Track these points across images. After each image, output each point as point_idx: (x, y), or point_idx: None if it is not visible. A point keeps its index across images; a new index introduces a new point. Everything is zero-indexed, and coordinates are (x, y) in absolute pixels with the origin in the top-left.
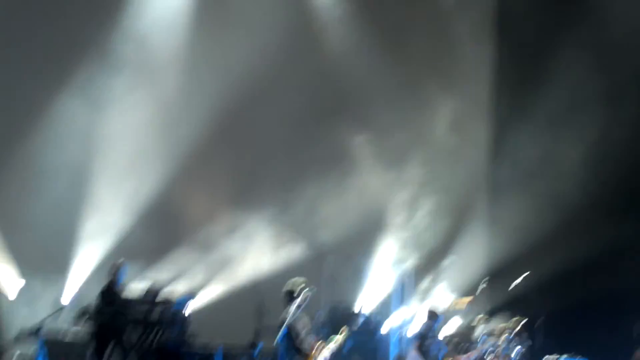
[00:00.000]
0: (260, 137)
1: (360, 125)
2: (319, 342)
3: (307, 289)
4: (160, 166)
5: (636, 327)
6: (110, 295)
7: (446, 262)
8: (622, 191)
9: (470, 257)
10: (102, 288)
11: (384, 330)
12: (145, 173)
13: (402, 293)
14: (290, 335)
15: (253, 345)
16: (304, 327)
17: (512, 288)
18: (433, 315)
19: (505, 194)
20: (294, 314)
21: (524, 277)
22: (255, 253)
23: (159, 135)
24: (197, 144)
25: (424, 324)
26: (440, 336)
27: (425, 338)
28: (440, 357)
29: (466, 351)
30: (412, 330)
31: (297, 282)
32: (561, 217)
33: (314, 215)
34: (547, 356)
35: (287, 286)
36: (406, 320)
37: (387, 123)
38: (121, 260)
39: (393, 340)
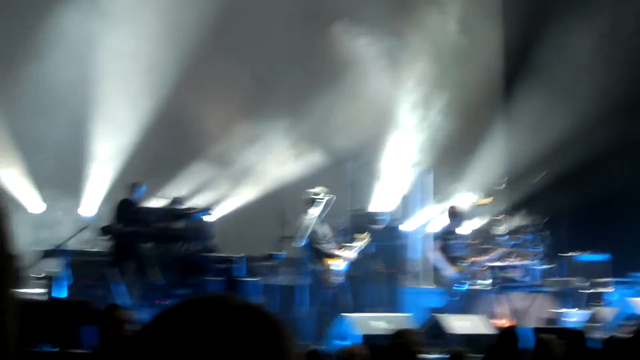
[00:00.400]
0: (265, 49)
1: (365, 27)
2: (341, 247)
3: (327, 195)
4: (172, 82)
5: None
6: (128, 212)
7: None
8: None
9: (488, 157)
10: (120, 205)
11: (404, 233)
12: (158, 89)
13: (421, 195)
14: (313, 240)
15: (276, 255)
16: (325, 232)
17: (532, 186)
18: (454, 215)
19: (521, 93)
20: (315, 220)
21: (543, 175)
22: (274, 164)
23: (168, 51)
24: (206, 60)
25: (446, 224)
26: (461, 237)
27: (447, 238)
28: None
29: (487, 252)
30: (433, 231)
31: (317, 189)
32: (578, 112)
33: (329, 123)
34: (570, 253)
35: (307, 193)
36: (426, 222)
37: (394, 25)
38: (138, 180)
39: (414, 242)
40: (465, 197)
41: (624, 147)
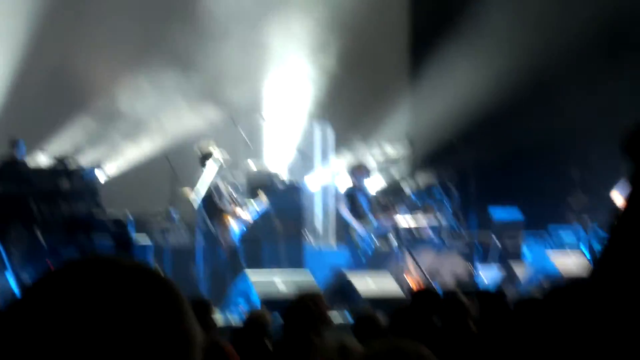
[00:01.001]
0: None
1: None
2: (240, 205)
3: (219, 151)
4: (51, 30)
5: (574, 171)
6: (10, 168)
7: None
8: (551, 32)
9: (393, 111)
10: (1, 164)
11: (305, 189)
12: (35, 37)
13: (322, 149)
14: (212, 198)
15: (169, 213)
16: (223, 190)
17: (439, 142)
18: (360, 171)
19: (427, 45)
20: (214, 176)
21: (451, 134)
22: (165, 118)
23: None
24: (89, 6)
25: (351, 180)
26: (368, 194)
27: (353, 195)
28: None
29: (394, 209)
30: (338, 187)
31: (210, 143)
32: (486, 64)
33: (223, 75)
34: (480, 209)
35: (202, 148)
36: (329, 178)
37: None
38: (16, 137)
39: (316, 199)
40: (369, 152)
41: (532, 99)
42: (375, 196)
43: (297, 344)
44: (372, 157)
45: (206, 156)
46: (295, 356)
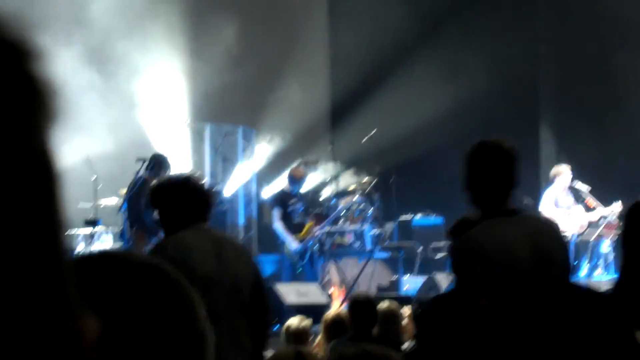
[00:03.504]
0: None
1: None
2: None
3: (162, 158)
4: None
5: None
6: None
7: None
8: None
9: (312, 102)
10: None
11: (224, 197)
12: None
13: (239, 156)
14: (136, 204)
15: (93, 222)
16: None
17: (360, 145)
18: (296, 178)
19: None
20: (140, 182)
21: (371, 134)
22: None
23: None
24: None
25: (281, 188)
26: (300, 202)
27: (286, 205)
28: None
29: (321, 217)
30: (266, 193)
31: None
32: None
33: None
34: (403, 216)
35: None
36: (249, 182)
37: None
38: None
39: (236, 207)
40: (290, 156)
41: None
42: (306, 203)
43: None
44: (292, 161)
45: (145, 161)
46: None
